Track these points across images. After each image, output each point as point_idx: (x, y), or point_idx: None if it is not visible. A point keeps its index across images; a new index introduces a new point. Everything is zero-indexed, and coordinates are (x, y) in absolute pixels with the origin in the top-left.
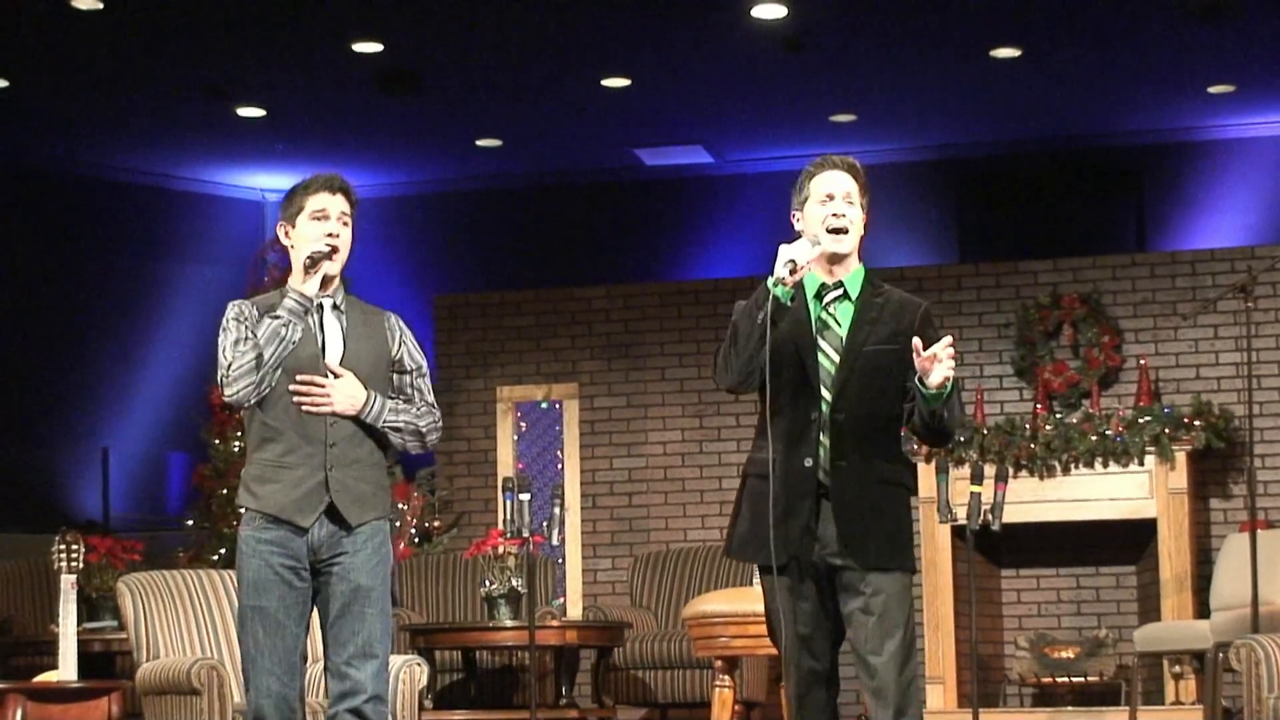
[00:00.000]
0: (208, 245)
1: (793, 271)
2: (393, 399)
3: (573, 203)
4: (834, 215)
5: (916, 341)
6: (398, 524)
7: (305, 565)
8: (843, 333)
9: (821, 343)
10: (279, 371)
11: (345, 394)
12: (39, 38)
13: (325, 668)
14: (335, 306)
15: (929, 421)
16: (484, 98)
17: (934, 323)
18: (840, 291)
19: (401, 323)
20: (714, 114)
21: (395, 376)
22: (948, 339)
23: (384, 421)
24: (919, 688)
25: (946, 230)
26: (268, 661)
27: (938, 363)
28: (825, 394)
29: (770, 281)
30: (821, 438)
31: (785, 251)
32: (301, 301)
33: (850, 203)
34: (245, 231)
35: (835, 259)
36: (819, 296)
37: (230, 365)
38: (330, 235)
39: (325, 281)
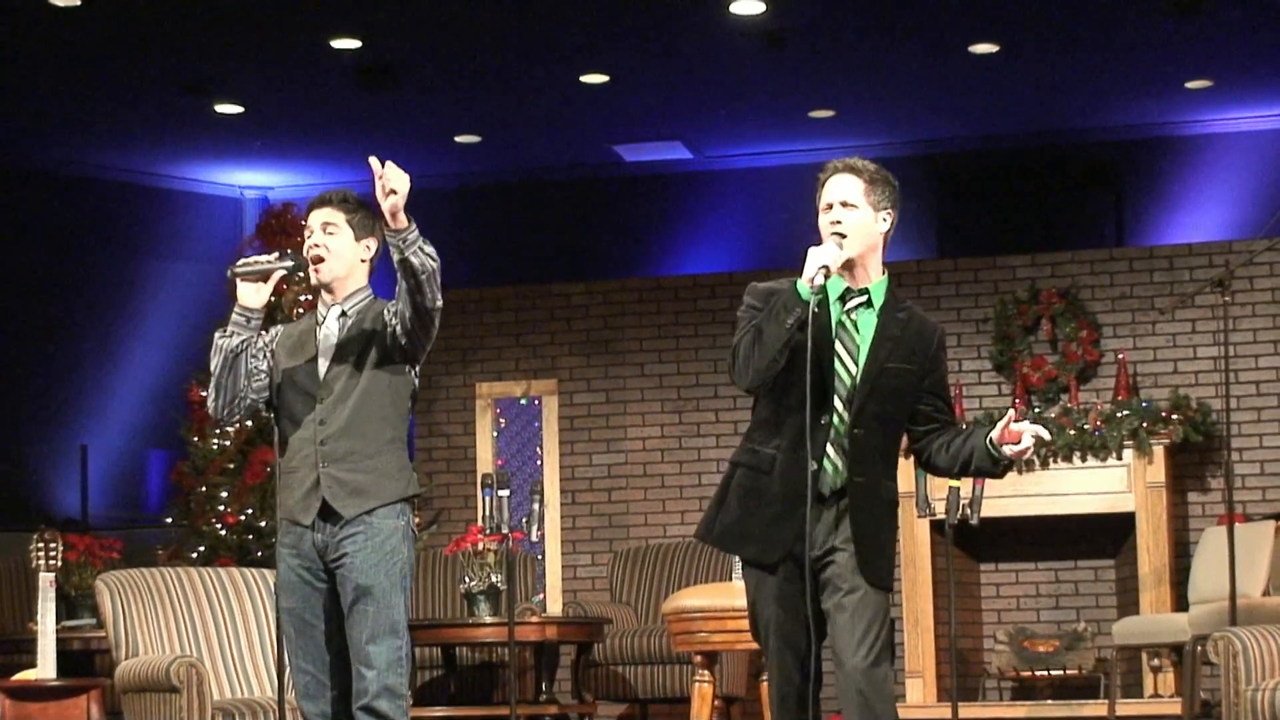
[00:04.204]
0: (186, 242)
1: (826, 276)
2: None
3: (552, 199)
4: (832, 224)
5: (1011, 415)
6: (414, 514)
7: (320, 565)
8: (861, 341)
9: (839, 347)
10: (244, 379)
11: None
12: (16, 34)
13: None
14: (343, 314)
15: (974, 471)
16: (463, 94)
17: (945, 345)
18: (865, 298)
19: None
20: (693, 110)
21: (390, 321)
22: (1038, 430)
23: (418, 246)
24: (893, 688)
25: (925, 225)
26: (300, 660)
27: (1024, 436)
28: (837, 402)
29: (802, 288)
30: (828, 446)
31: (816, 256)
32: (241, 312)
33: (849, 205)
34: (224, 228)
35: (851, 263)
36: (842, 300)
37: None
38: (313, 246)
39: (331, 292)
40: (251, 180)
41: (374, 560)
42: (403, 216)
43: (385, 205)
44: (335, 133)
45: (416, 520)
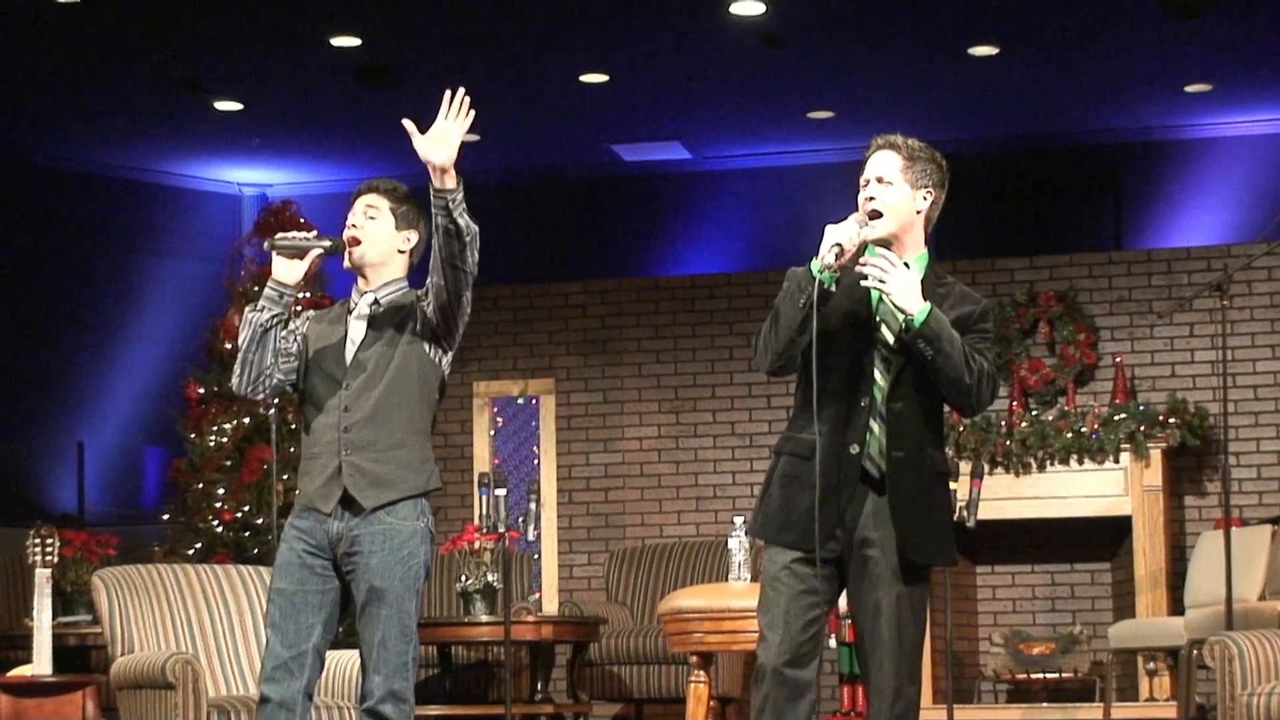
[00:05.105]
0: (184, 239)
1: (838, 256)
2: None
3: (550, 198)
4: (866, 200)
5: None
6: (430, 507)
7: (329, 556)
8: (904, 319)
9: (883, 329)
10: (271, 357)
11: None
12: (16, 31)
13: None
14: (376, 302)
15: (926, 365)
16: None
17: (989, 318)
18: None
19: None
20: (692, 110)
21: (423, 302)
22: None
23: (464, 208)
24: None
25: None
26: (277, 643)
27: (872, 269)
28: (879, 380)
29: (815, 266)
30: (871, 425)
31: (831, 234)
32: (275, 287)
33: (884, 182)
34: (222, 225)
35: (888, 243)
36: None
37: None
38: (350, 227)
39: (366, 278)
40: (250, 177)
41: (390, 562)
42: (453, 175)
43: (445, 149)
44: (334, 131)
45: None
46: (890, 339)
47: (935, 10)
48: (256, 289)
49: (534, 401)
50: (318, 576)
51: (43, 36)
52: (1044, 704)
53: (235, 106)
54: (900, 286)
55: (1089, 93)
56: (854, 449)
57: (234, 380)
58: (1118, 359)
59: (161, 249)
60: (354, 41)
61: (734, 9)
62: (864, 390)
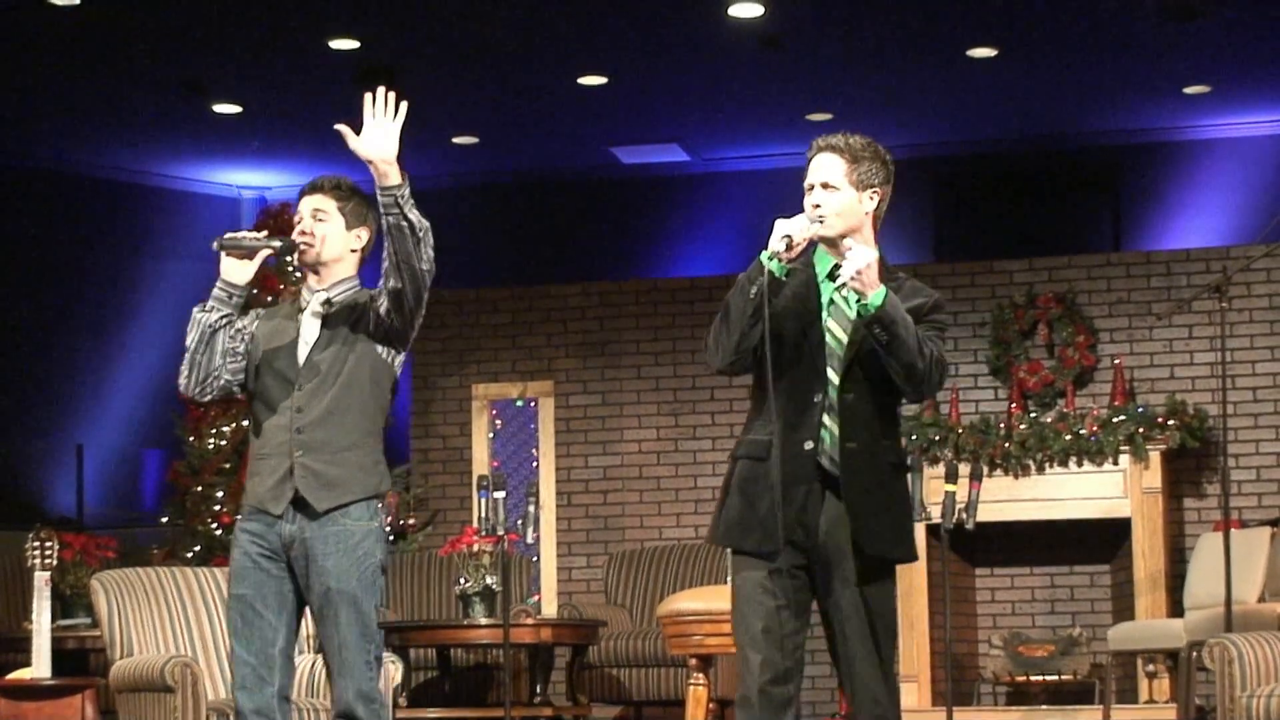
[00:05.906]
0: (183, 242)
1: (789, 247)
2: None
3: (549, 200)
4: (813, 206)
5: (845, 242)
6: (382, 508)
7: (283, 558)
8: (852, 313)
9: (830, 323)
10: (220, 358)
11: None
12: (14, 33)
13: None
14: (328, 301)
15: (881, 350)
16: (461, 95)
17: (943, 309)
18: None
19: None
20: (691, 112)
21: (378, 302)
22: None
23: (412, 205)
24: (898, 686)
25: (922, 229)
26: (243, 650)
27: (850, 259)
28: (831, 375)
29: (764, 255)
30: (825, 420)
31: (781, 226)
32: (224, 288)
33: (829, 188)
34: (221, 228)
35: (835, 243)
36: (831, 277)
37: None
38: (300, 233)
39: (318, 275)
40: (249, 180)
41: (346, 564)
42: (398, 170)
43: (384, 145)
44: (333, 134)
45: (388, 518)
46: (841, 334)
47: (934, 11)
48: (255, 292)
49: (533, 404)
50: (274, 579)
51: (43, 38)
52: (1043, 706)
53: (234, 109)
54: (858, 266)
55: (1088, 94)
56: (808, 445)
57: (181, 381)
58: (1117, 361)
59: (160, 252)
60: (353, 44)
61: (732, 11)
62: (816, 387)
